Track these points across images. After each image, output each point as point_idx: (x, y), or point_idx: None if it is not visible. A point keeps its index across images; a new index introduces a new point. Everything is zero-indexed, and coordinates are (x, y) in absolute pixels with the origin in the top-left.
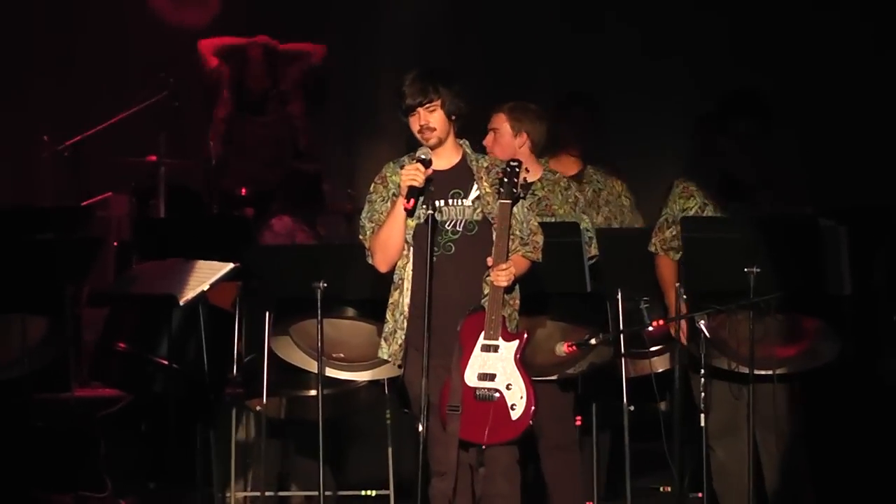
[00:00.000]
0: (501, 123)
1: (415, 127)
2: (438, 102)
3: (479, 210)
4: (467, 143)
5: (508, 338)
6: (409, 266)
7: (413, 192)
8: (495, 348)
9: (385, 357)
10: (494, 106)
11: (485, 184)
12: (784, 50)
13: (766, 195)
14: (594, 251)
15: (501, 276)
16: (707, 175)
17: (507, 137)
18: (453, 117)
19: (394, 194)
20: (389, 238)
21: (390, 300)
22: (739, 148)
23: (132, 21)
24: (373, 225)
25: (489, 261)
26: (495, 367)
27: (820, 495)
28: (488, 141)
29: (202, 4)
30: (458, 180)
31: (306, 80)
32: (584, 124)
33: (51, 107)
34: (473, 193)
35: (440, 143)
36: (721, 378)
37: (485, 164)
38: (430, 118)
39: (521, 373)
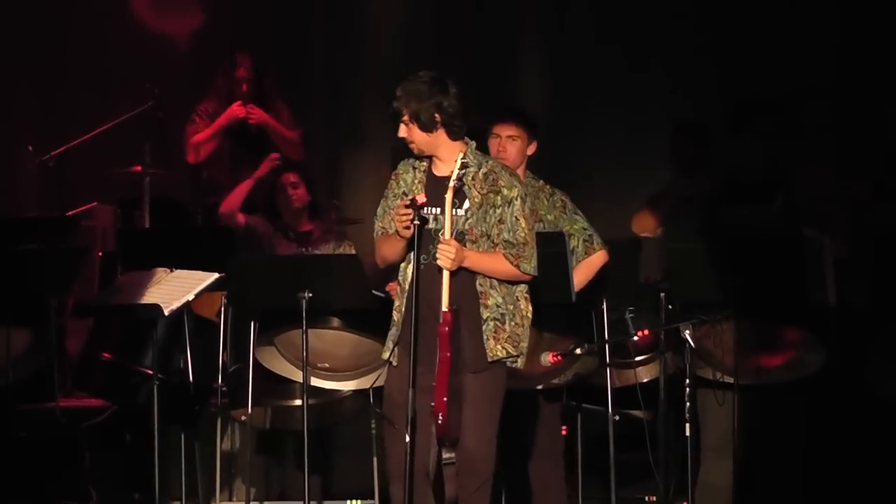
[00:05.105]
0: (521, 132)
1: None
2: (406, 117)
3: (470, 220)
4: (473, 146)
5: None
6: (410, 269)
7: (415, 210)
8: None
9: (386, 357)
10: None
11: (475, 192)
12: (766, 63)
13: (779, 199)
14: (597, 246)
15: (442, 253)
16: (690, 186)
17: (523, 144)
18: (433, 127)
19: (404, 192)
20: (389, 255)
21: (395, 302)
22: (759, 147)
23: (116, 31)
24: (381, 226)
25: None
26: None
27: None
28: (510, 147)
29: (185, 14)
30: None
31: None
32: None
33: (35, 117)
34: (467, 203)
35: (423, 152)
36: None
37: (483, 170)
38: (405, 131)
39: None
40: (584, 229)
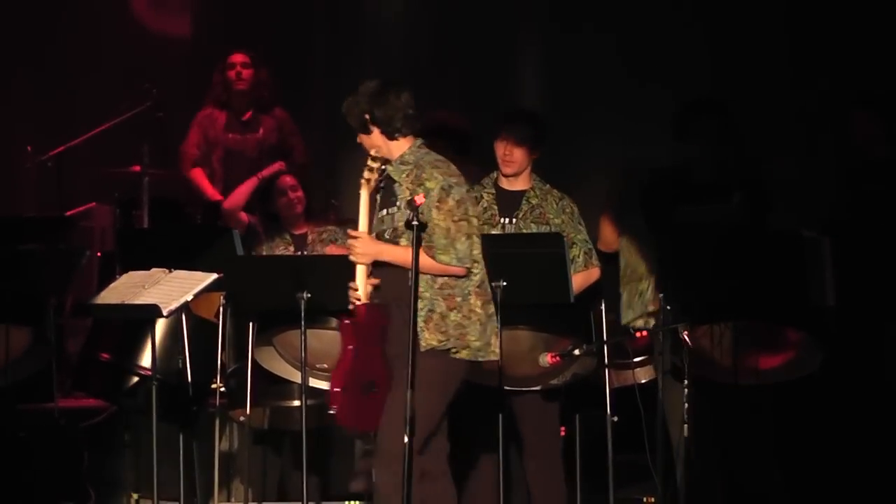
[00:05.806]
0: (529, 137)
1: None
2: (351, 122)
3: (398, 216)
4: (418, 143)
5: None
6: None
7: (414, 211)
8: None
9: None
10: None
11: (405, 189)
12: (764, 75)
13: (736, 196)
14: (595, 262)
15: (351, 247)
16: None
17: (530, 148)
18: (367, 129)
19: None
20: None
21: None
22: (700, 147)
23: (115, 31)
24: None
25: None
26: None
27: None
28: (516, 151)
29: (184, 13)
30: (392, 188)
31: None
32: None
33: (34, 117)
34: (400, 201)
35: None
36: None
37: (417, 167)
38: (359, 137)
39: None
40: (586, 241)
